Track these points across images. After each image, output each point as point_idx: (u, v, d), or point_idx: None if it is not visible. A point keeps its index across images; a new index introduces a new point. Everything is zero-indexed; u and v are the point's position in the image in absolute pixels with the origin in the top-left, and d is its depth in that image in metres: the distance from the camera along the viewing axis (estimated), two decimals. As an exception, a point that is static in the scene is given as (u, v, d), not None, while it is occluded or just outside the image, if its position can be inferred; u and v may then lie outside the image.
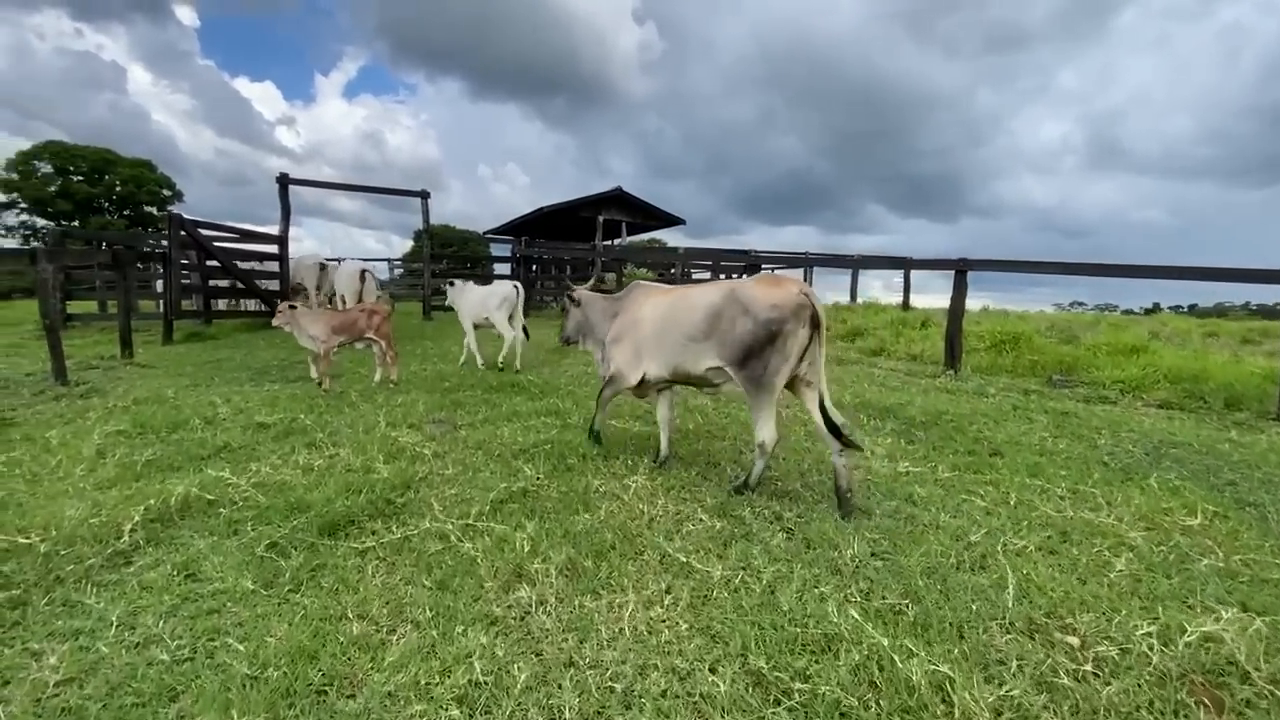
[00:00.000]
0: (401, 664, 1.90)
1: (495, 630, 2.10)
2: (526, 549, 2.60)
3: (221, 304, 12.54)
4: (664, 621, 2.16)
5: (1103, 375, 6.57)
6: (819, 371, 3.23)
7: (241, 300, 12.90)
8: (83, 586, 2.31)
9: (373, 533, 2.79)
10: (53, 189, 36.00)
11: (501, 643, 2.02)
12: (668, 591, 2.35)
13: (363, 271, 11.03)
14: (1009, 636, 2.09)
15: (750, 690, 1.83)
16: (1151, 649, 2.01)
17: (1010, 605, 2.25)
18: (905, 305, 13.89)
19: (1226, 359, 7.13)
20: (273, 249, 12.36)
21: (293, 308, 5.71)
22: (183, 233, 10.19)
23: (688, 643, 2.04)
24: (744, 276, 4.82)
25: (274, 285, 12.10)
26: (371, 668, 1.90)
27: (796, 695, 1.79)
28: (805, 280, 16.63)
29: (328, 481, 3.29)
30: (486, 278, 14.68)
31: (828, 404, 3.20)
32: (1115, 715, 1.75)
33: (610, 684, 1.84)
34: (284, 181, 12.53)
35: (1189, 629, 2.09)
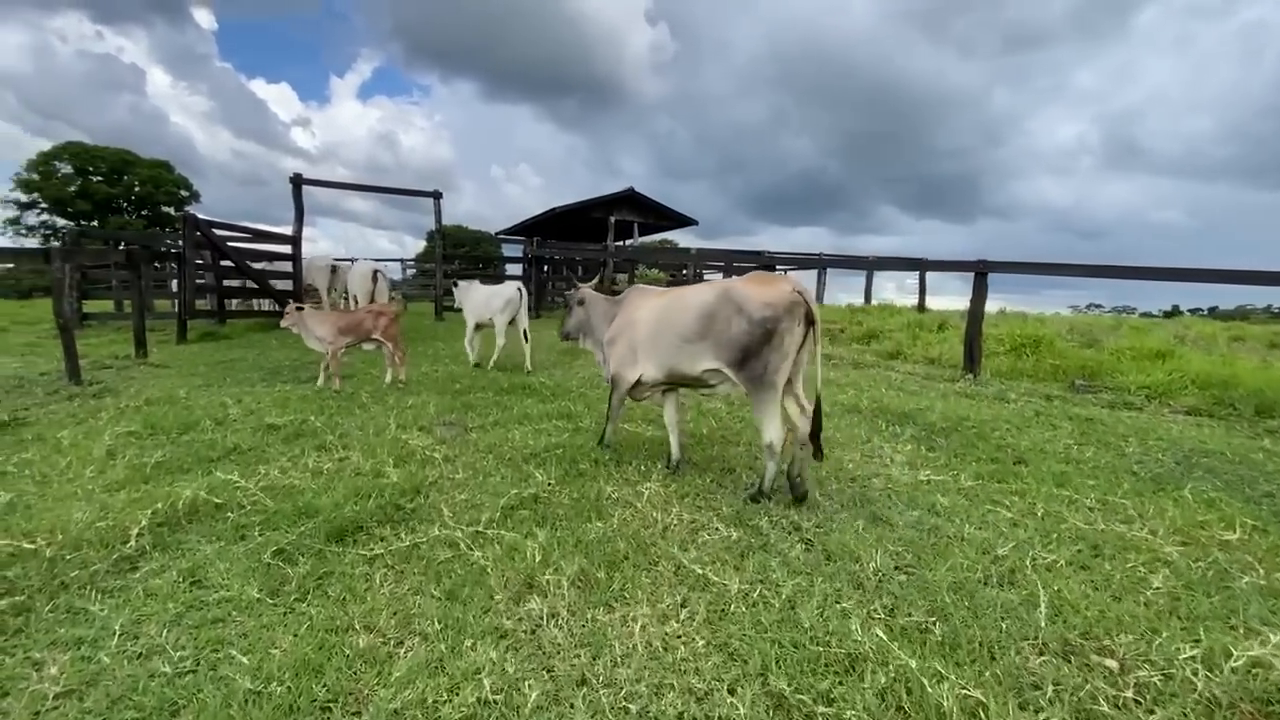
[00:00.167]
0: (409, 680, 1.84)
1: (505, 644, 2.03)
2: (537, 558, 2.53)
3: (234, 304, 12.60)
4: (680, 637, 2.08)
5: (1127, 380, 6.40)
6: (801, 371, 3.28)
7: (255, 300, 12.96)
8: (87, 593, 2.27)
9: (381, 539, 2.73)
10: (73, 189, 36.46)
11: (512, 658, 1.95)
12: (683, 605, 2.27)
13: (375, 272, 11.04)
14: (1043, 658, 1.99)
15: (771, 714, 1.75)
16: (1196, 674, 1.90)
17: (1043, 624, 2.14)
18: (921, 307, 13.70)
19: (1256, 364, 6.93)
20: (286, 249, 12.41)
21: (299, 309, 5.71)
22: (197, 233, 10.24)
23: (705, 661, 1.96)
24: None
25: (286, 285, 12.14)
26: (378, 683, 1.83)
27: (820, 720, 1.71)
28: (819, 282, 16.49)
29: (337, 486, 3.24)
30: (499, 278, 14.68)
31: (805, 405, 3.24)
32: (1161, 747, 1.65)
33: (625, 704, 1.77)
34: (298, 182, 12.57)
35: (1235, 653, 1.98)
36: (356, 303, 10.74)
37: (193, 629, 2.07)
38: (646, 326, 3.58)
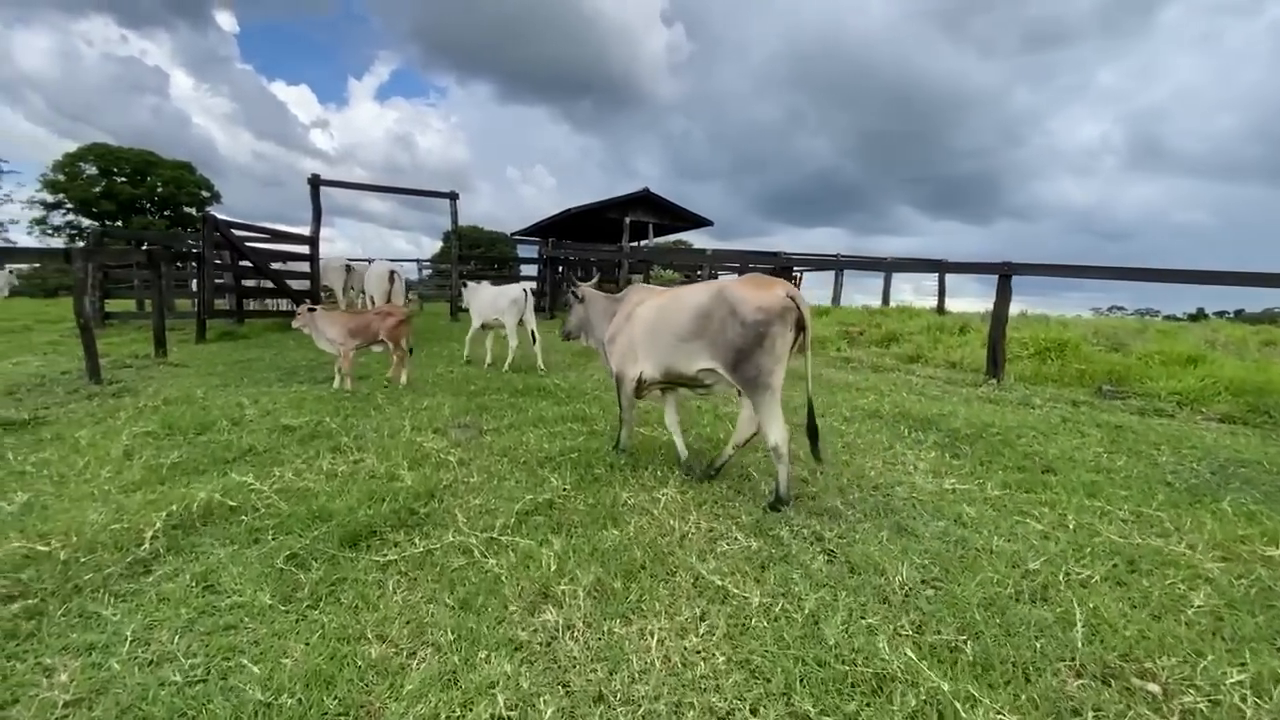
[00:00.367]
0: (421, 693, 1.79)
1: (520, 657, 1.97)
2: (553, 567, 2.48)
3: (252, 304, 12.73)
4: (699, 653, 2.01)
5: (1157, 386, 6.22)
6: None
7: (273, 300, 13.08)
8: (100, 596, 2.25)
9: (395, 544, 2.70)
10: (97, 190, 37.12)
11: (526, 672, 1.90)
12: (702, 618, 2.20)
13: (391, 272, 11.09)
14: (1081, 681, 1.90)
15: (796, 736, 1.67)
16: (1244, 700, 1.81)
17: (1080, 645, 2.05)
18: (940, 309, 13.50)
19: (1291, 370, 6.71)
20: (304, 249, 12.50)
21: (311, 310, 5.73)
22: (216, 233, 10.34)
23: (726, 678, 1.89)
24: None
25: (303, 285, 12.24)
26: (390, 696, 1.79)
27: (848, 744, 1.63)
28: (836, 283, 16.32)
29: (350, 489, 3.22)
30: (514, 279, 14.70)
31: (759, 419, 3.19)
32: (1212, 781, 1.56)
33: (643, 723, 1.71)
34: (315, 183, 12.66)
35: (1287, 679, 1.87)
36: (373, 302, 10.79)
37: (204, 636, 2.04)
38: (644, 324, 3.61)
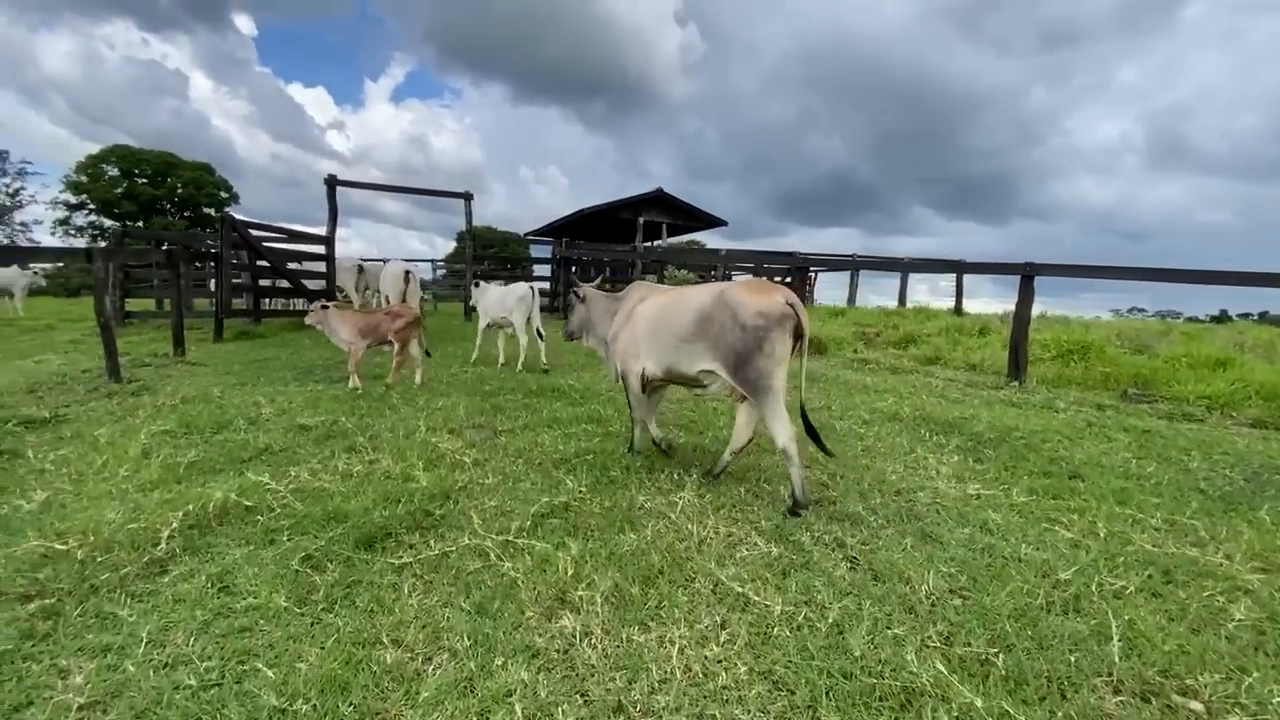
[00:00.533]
0: (437, 700, 1.75)
1: (537, 664, 1.93)
2: (569, 572, 2.43)
3: (268, 303, 12.83)
4: (721, 662, 1.96)
5: (1185, 390, 6.07)
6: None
7: (288, 300, 13.19)
8: (117, 597, 2.23)
9: (410, 546, 2.67)
10: (119, 191, 37.71)
11: (544, 680, 1.86)
12: (723, 626, 2.15)
13: (407, 272, 11.13)
14: (1119, 698, 1.82)
15: (823, 752, 1.62)
16: (1294, 721, 1.72)
17: (1117, 659, 1.97)
18: (958, 310, 13.33)
19: (1324, 374, 6.52)
20: (320, 249, 12.59)
21: (324, 307, 5.76)
22: (234, 233, 10.43)
23: (748, 689, 1.83)
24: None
25: (319, 285, 12.33)
26: (405, 703, 1.75)
27: (877, 762, 1.57)
28: (852, 283, 16.17)
29: (366, 490, 3.20)
30: (526, 279, 14.71)
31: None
32: (1264, 807, 1.48)
33: (664, 736, 1.66)
34: (332, 183, 12.75)
35: (1338, 699, 1.79)
36: (389, 302, 10.83)
37: (219, 638, 2.02)
38: (647, 323, 3.64)
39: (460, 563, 2.53)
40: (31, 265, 14.42)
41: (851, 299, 17.19)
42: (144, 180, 38.63)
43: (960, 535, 2.87)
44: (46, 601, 2.17)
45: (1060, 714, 1.73)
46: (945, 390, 6.43)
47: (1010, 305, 7.02)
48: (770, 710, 1.75)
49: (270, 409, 4.78)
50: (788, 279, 13.71)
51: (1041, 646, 2.03)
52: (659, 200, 20.90)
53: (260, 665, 1.88)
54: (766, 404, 3.06)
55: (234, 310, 11.05)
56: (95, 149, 38.83)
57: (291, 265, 11.95)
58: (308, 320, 5.88)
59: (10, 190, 37.43)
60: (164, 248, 10.42)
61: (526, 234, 30.38)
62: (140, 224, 36.45)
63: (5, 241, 35.16)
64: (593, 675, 1.89)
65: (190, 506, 2.84)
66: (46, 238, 37.94)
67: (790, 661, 1.94)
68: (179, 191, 40.10)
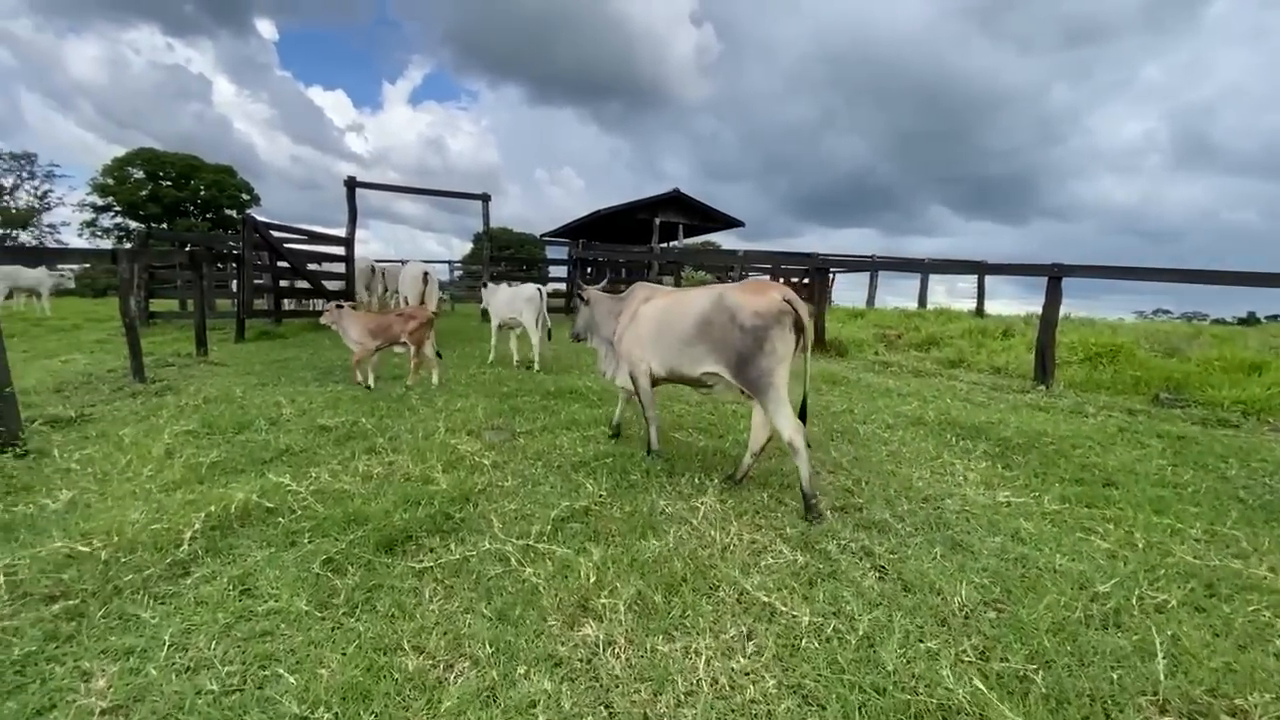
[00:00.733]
0: (459, 710, 1.72)
1: (560, 674, 1.89)
2: (591, 579, 2.39)
3: (289, 304, 12.96)
4: (748, 675, 1.91)
5: (1219, 395, 5.89)
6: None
7: (308, 300, 13.31)
8: (140, 598, 2.23)
9: (431, 550, 2.65)
10: (144, 193, 38.37)
11: (568, 690, 1.82)
12: (749, 637, 2.09)
13: (425, 273, 11.18)
14: (1166, 718, 1.74)
15: (857, 772, 1.56)
16: (1356, 748, 1.63)
17: (1162, 677, 1.89)
18: (979, 312, 13.12)
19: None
20: (339, 250, 12.70)
21: (339, 307, 5.81)
22: (256, 234, 10.54)
23: (777, 704, 1.78)
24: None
25: (338, 285, 12.43)
26: (427, 713, 1.72)
27: (915, 783, 1.51)
28: (871, 284, 16.00)
29: (386, 492, 3.18)
30: (541, 280, 14.74)
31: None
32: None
33: (692, 752, 1.61)
34: (351, 185, 12.85)
35: (1403, 724, 1.69)
36: (407, 303, 10.89)
37: (241, 642, 2.00)
38: (650, 323, 3.68)
39: (481, 567, 2.50)
40: (59, 266, 14.69)
41: (870, 300, 17.01)
42: (168, 183, 39.28)
43: (992, 544, 2.79)
44: (71, 602, 2.17)
45: (1106, 736, 1.66)
46: (970, 394, 6.30)
47: (1031, 306, 6.88)
48: (801, 726, 1.69)
49: (291, 409, 4.80)
50: (805, 280, 13.59)
51: (1082, 663, 1.96)
52: (676, 201, 20.84)
53: (282, 671, 1.86)
54: (769, 400, 3.07)
55: (255, 310, 11.17)
56: (121, 152, 39.58)
57: (313, 266, 12.06)
58: (323, 320, 5.96)
59: (39, 193, 38.35)
60: (187, 249, 10.55)
61: (543, 235, 30.47)
62: (164, 226, 37.07)
63: (34, 243, 35.93)
64: (617, 686, 1.85)
65: (212, 507, 2.84)
66: (74, 239, 38.78)
67: (820, 675, 1.89)
68: (202, 194, 40.75)
